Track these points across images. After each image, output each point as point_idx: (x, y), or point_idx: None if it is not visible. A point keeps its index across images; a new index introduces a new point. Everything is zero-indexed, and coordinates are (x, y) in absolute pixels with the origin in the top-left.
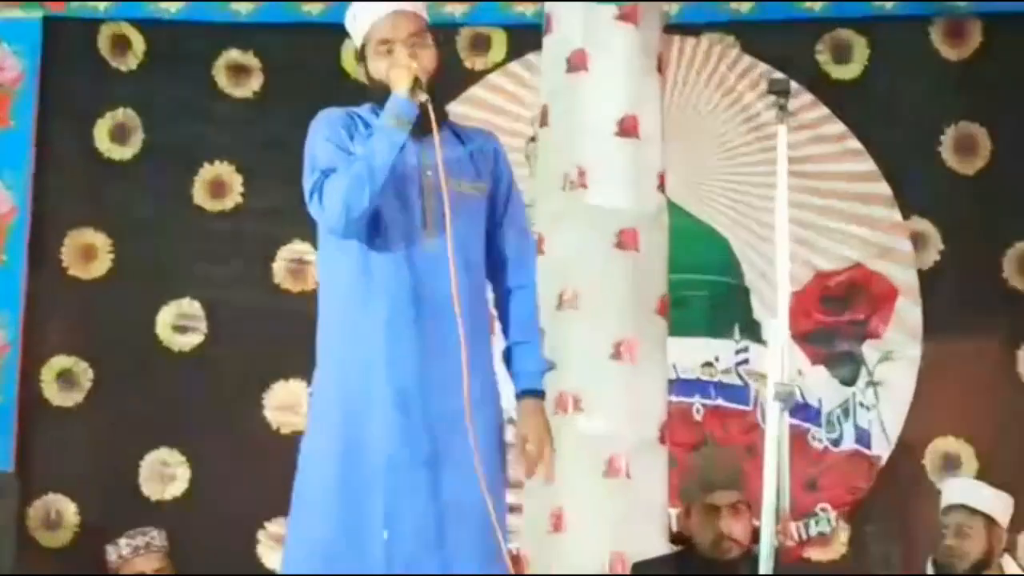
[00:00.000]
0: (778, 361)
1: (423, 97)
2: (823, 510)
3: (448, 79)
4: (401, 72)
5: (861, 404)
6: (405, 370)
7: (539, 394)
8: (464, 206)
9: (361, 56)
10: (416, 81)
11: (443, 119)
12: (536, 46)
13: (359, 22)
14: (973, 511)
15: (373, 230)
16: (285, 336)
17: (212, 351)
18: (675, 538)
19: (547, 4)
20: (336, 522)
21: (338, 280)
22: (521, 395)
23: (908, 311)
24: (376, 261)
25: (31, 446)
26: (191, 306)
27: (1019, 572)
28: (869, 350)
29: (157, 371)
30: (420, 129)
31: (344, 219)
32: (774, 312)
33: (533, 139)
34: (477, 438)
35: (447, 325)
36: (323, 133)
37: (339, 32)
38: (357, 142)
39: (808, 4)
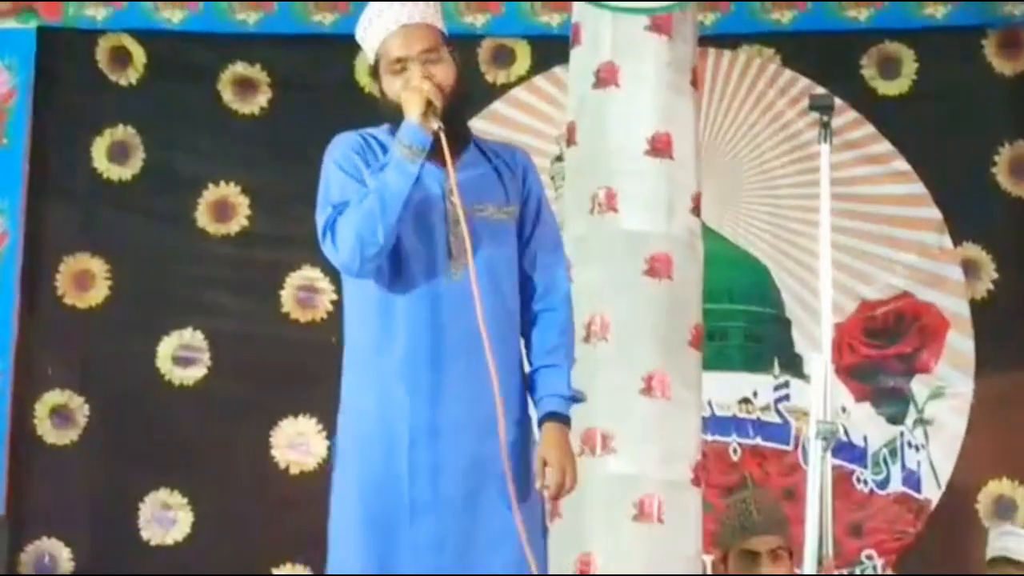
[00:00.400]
0: (821, 397)
1: (435, 125)
2: (868, 557)
3: (469, 94)
4: (412, 96)
5: (909, 444)
6: (426, 410)
7: (563, 419)
8: (491, 232)
9: (374, 72)
10: (429, 105)
11: (466, 138)
12: (562, 59)
13: (370, 36)
14: (1018, 563)
15: (394, 264)
16: (294, 369)
17: (216, 385)
18: None
19: (574, 14)
20: (365, 563)
21: (359, 316)
22: (544, 419)
23: (960, 344)
24: (398, 296)
25: (23, 487)
26: (194, 337)
27: None
28: (918, 386)
29: (157, 406)
30: (442, 153)
31: (358, 258)
32: (816, 345)
33: (559, 159)
34: (511, 484)
35: (475, 361)
36: (336, 162)
37: (353, 43)
38: (373, 169)
39: (853, 14)
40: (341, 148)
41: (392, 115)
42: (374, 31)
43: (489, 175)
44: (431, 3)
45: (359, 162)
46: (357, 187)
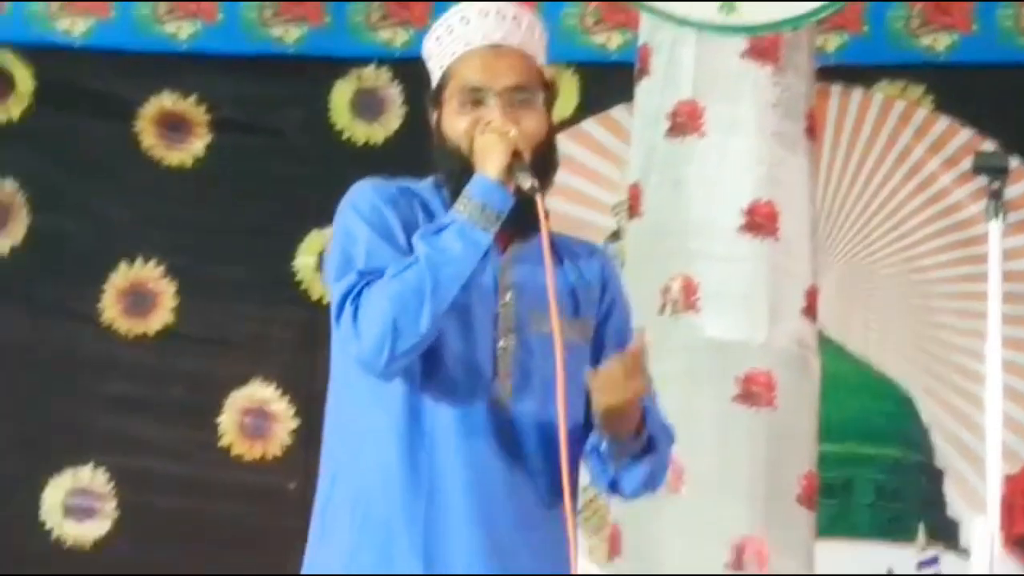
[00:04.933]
0: None
1: (528, 183)
2: None
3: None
4: (494, 141)
5: None
6: (455, 565)
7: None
8: (552, 351)
9: (435, 100)
10: (516, 158)
11: (533, 220)
12: (623, 95)
13: (442, 48)
14: None
15: (428, 362)
16: (236, 526)
17: (123, 546)
18: None
19: (641, 33)
20: None
21: (362, 429)
22: None
23: None
24: (428, 405)
25: None
26: (94, 478)
27: None
28: None
29: None
30: (504, 228)
31: (386, 351)
32: (979, 505)
33: (615, 235)
34: None
35: (522, 515)
36: (360, 213)
37: (328, 69)
38: (424, 232)
39: None
40: (367, 197)
41: (448, 163)
42: (449, 43)
43: (556, 276)
44: (538, 27)
45: (393, 219)
46: (394, 254)
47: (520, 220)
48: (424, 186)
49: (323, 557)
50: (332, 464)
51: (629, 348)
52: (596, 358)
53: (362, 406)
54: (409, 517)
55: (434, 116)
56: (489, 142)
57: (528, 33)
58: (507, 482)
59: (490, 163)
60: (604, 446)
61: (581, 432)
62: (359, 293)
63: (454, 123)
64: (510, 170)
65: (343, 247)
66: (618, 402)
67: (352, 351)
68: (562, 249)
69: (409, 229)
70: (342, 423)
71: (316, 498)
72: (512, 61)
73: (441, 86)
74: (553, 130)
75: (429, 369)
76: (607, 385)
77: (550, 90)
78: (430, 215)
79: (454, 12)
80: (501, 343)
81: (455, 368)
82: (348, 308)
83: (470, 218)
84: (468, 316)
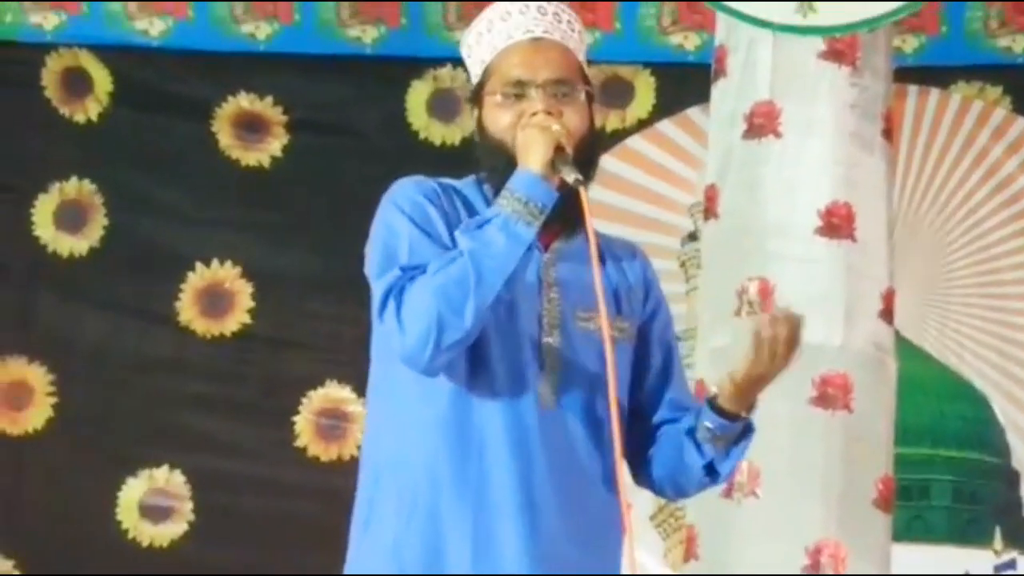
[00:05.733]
0: None
1: (572, 177)
2: None
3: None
4: (536, 135)
5: None
6: (504, 559)
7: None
8: (597, 351)
9: (475, 97)
10: (559, 153)
11: (577, 217)
12: (700, 96)
13: (483, 44)
14: None
15: (473, 359)
16: (308, 528)
17: (200, 548)
18: None
19: (719, 33)
20: None
21: (408, 423)
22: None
23: None
24: (475, 404)
25: None
26: (171, 479)
27: None
28: None
29: None
30: (548, 226)
31: (432, 346)
32: None
33: (692, 237)
34: None
35: (571, 508)
36: (401, 209)
37: (404, 71)
38: (467, 227)
39: None
40: (408, 193)
41: (490, 158)
42: (491, 39)
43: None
44: (578, 24)
45: (435, 215)
46: (435, 248)
47: (564, 217)
48: (465, 183)
49: (367, 552)
50: (375, 458)
51: (795, 318)
52: (639, 360)
53: (408, 401)
54: (458, 511)
55: (475, 114)
56: (531, 136)
57: (568, 28)
58: (555, 477)
59: (532, 157)
60: (710, 426)
61: (627, 424)
62: (402, 288)
63: (497, 117)
64: (553, 164)
65: (385, 243)
66: (773, 370)
67: (396, 346)
68: (604, 249)
69: (451, 225)
70: (386, 418)
71: (358, 493)
72: (553, 55)
73: (482, 82)
74: (595, 127)
75: (475, 365)
76: (767, 351)
77: (591, 86)
78: (472, 211)
79: (494, 9)
80: (547, 339)
81: (501, 364)
82: (391, 303)
83: (513, 212)
84: (513, 313)
